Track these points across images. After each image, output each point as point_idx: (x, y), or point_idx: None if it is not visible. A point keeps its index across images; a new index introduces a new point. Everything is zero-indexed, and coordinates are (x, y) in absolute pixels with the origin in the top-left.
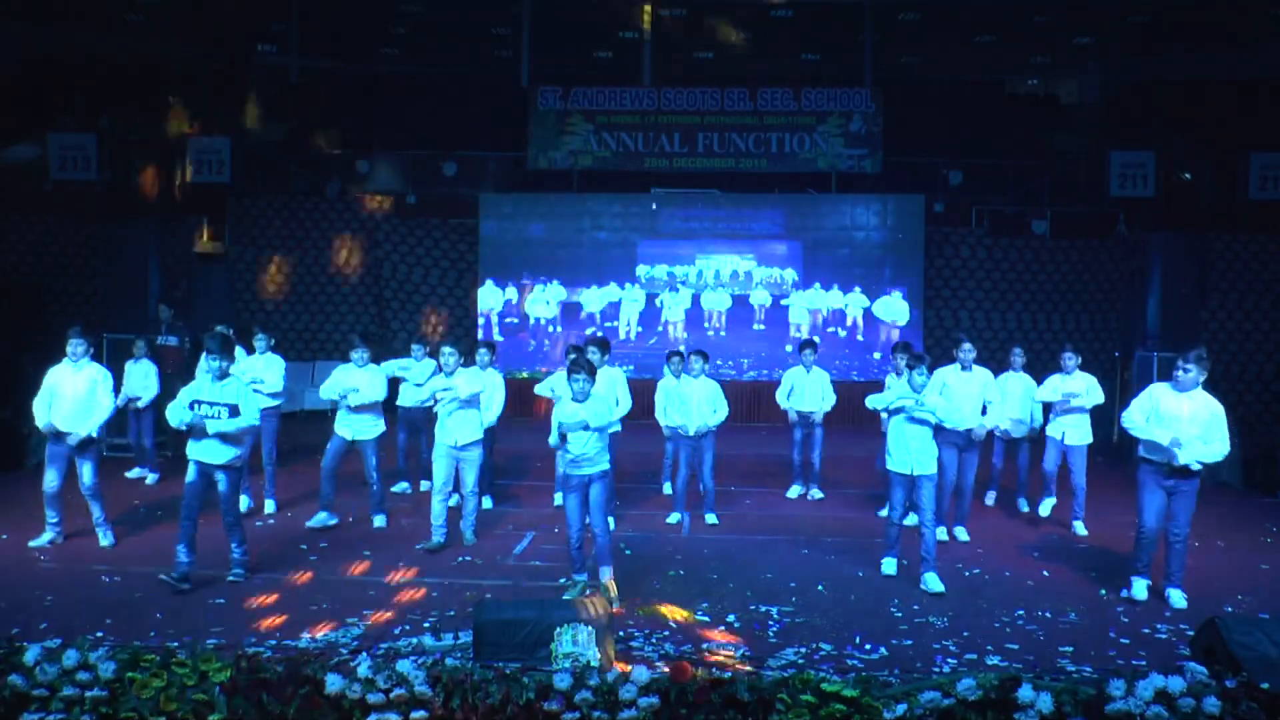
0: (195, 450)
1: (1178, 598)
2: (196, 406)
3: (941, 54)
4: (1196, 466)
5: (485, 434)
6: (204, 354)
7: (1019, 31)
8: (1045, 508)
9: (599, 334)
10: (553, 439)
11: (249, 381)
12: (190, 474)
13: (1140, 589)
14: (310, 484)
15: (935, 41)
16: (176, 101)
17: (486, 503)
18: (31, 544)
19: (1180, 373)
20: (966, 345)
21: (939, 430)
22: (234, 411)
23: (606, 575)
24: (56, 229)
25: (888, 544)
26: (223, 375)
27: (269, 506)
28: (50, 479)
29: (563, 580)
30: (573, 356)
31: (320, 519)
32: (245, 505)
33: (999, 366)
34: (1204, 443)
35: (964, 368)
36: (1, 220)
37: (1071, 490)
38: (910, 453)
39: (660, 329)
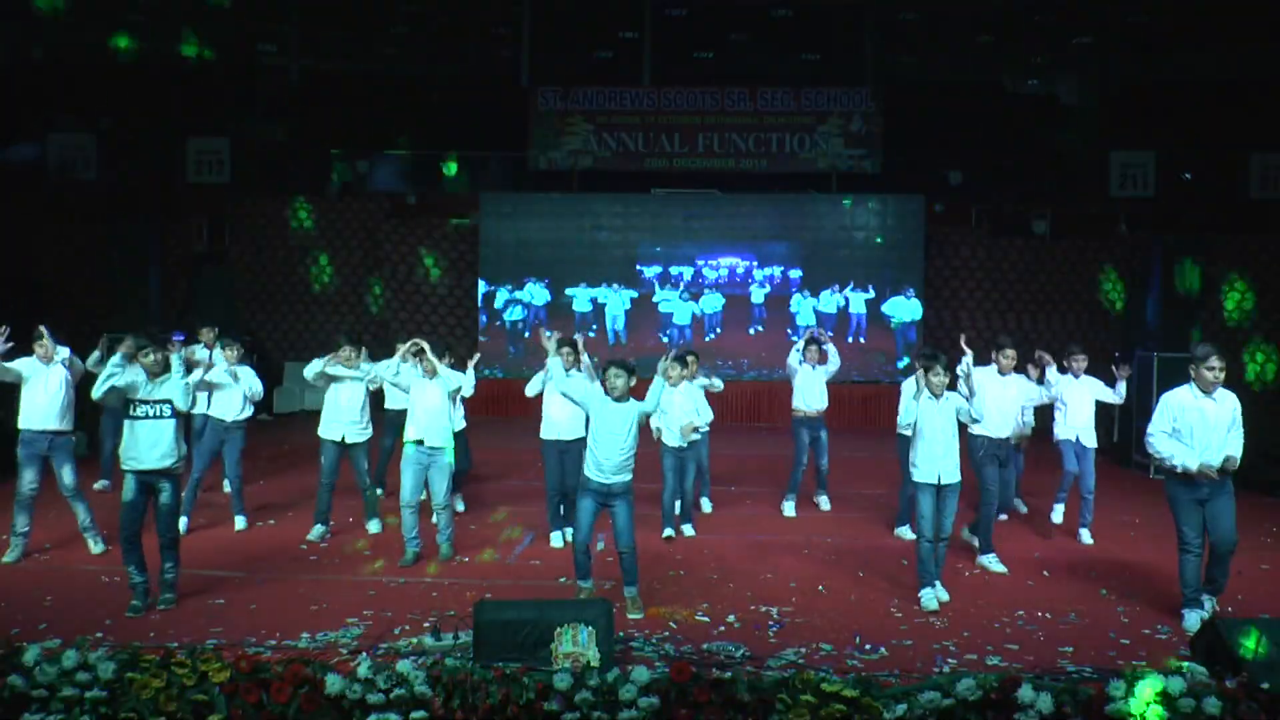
0: (136, 459)
1: (1207, 605)
2: (135, 407)
3: (941, 54)
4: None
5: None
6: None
7: (1019, 31)
8: (1059, 513)
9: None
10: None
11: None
12: (129, 492)
13: (1194, 621)
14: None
15: (935, 41)
16: (176, 102)
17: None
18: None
19: (1211, 373)
20: (1009, 351)
21: (983, 445)
22: (173, 410)
23: (633, 593)
24: (56, 229)
25: (924, 572)
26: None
27: (239, 523)
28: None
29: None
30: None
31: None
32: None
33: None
34: (1233, 439)
35: (1002, 372)
36: (1, 220)
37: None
38: (937, 459)
39: (661, 330)
